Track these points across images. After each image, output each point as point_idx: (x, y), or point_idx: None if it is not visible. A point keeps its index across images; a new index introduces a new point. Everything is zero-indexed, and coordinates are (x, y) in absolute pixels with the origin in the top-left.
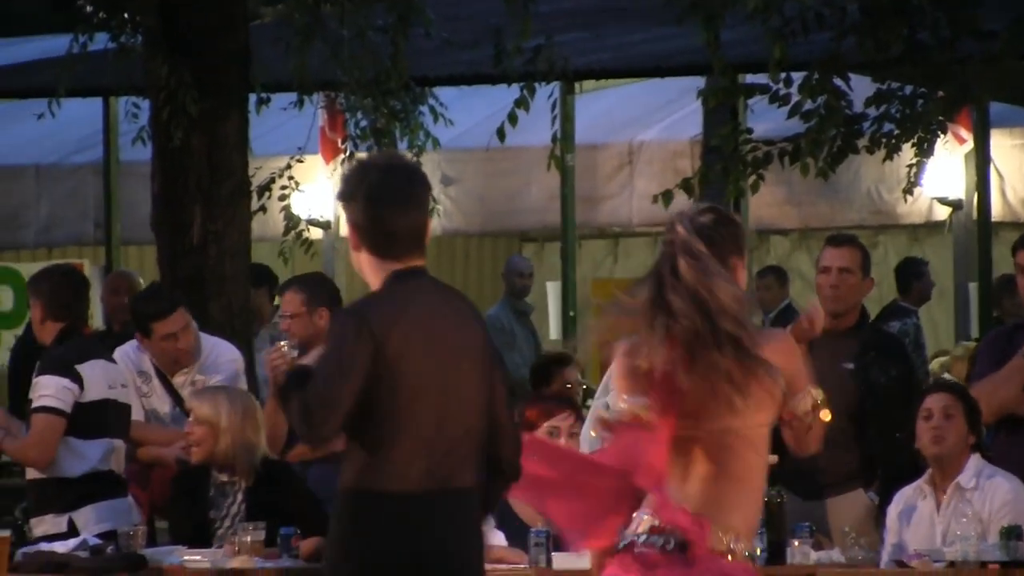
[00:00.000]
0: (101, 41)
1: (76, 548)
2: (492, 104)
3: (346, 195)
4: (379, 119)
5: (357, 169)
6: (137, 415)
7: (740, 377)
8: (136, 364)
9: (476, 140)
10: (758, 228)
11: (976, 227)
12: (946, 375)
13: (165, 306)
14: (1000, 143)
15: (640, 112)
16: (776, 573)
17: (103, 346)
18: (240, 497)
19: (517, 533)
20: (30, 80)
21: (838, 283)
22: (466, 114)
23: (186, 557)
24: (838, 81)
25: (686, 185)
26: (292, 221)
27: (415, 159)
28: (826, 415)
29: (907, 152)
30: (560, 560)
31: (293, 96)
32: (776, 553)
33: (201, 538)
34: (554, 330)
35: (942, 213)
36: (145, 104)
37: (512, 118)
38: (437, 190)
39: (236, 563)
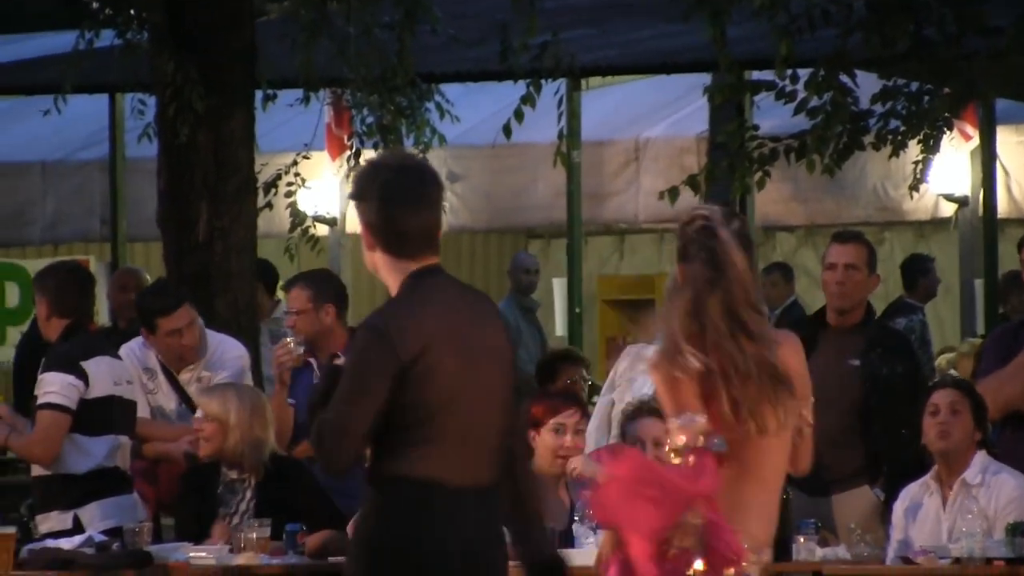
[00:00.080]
0: (107, 38)
1: (81, 545)
2: (498, 101)
3: (359, 195)
4: (385, 116)
5: (369, 169)
6: (143, 412)
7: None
8: (142, 361)
9: (482, 137)
10: (764, 225)
11: (982, 224)
12: (952, 371)
13: (171, 302)
14: (1006, 140)
15: (646, 109)
16: (782, 570)
17: (109, 343)
18: (249, 494)
19: None
20: (36, 77)
21: (844, 279)
22: (472, 111)
23: (192, 554)
24: (844, 78)
25: (692, 182)
26: (298, 218)
27: (421, 156)
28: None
29: (913, 149)
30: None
31: (299, 92)
32: (782, 550)
33: (209, 535)
34: (560, 326)
35: (948, 210)
36: (151, 101)
37: (518, 115)
38: (443, 187)
39: (241, 560)
